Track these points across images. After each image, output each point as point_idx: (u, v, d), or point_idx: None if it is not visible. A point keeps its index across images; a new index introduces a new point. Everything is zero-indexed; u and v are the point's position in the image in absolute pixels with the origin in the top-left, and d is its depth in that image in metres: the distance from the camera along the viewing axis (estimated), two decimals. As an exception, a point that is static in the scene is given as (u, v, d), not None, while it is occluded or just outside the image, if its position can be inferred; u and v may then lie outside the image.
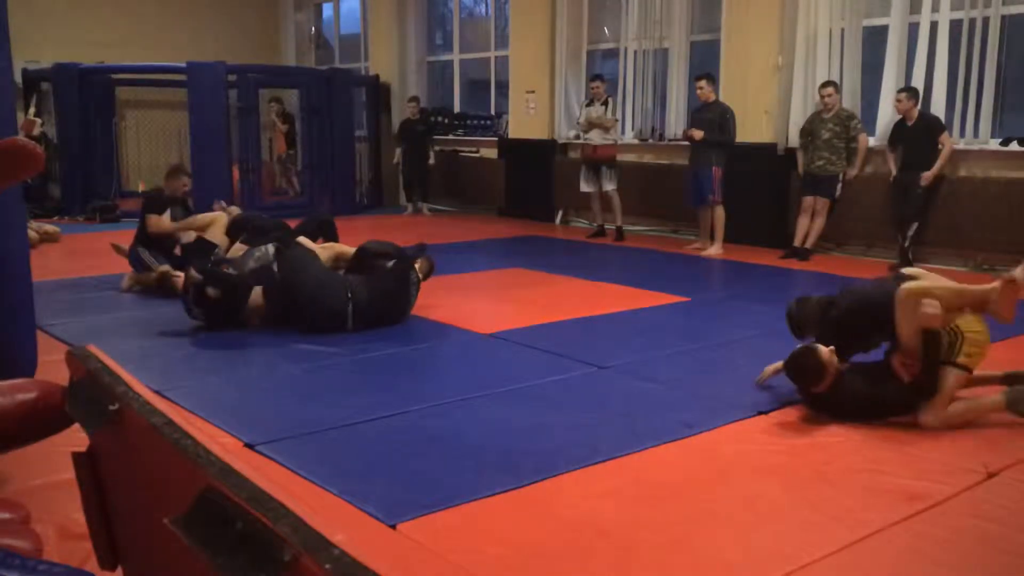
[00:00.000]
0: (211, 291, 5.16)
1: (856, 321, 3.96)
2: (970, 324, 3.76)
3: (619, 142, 9.62)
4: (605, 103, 9.32)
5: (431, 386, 4.29)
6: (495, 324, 5.55)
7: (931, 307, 3.64)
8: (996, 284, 3.76)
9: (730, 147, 8.43)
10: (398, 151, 12.07)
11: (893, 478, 3.19)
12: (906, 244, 7.59)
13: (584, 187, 9.60)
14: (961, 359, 3.71)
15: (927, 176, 7.46)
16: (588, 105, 9.50)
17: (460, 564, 2.57)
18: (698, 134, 8.42)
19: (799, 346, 3.87)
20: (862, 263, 7.97)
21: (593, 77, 9.63)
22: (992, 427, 3.73)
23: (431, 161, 11.89)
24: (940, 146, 7.45)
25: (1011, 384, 3.87)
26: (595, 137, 9.37)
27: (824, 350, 3.72)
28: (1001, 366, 4.70)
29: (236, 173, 11.25)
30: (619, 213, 9.47)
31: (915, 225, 7.58)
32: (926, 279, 3.90)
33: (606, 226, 9.65)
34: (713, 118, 8.41)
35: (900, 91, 7.62)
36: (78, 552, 2.44)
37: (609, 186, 9.43)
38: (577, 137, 10.12)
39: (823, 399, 3.80)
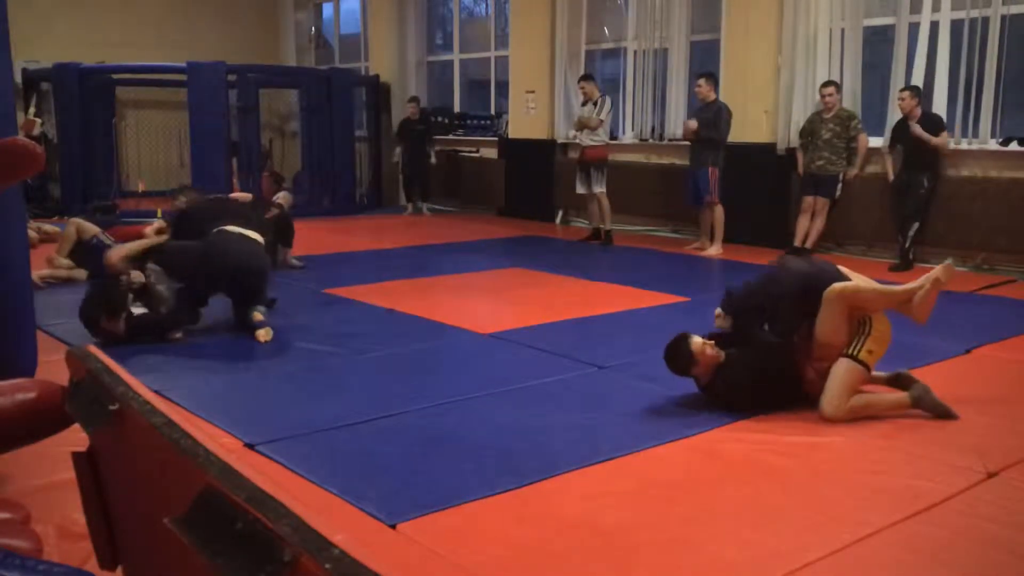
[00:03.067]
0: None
1: (785, 307, 3.98)
2: (878, 322, 3.84)
3: (608, 143, 9.43)
4: (595, 103, 9.23)
5: (431, 386, 4.28)
6: (495, 324, 5.55)
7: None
8: (922, 284, 3.87)
9: (722, 145, 8.42)
10: (398, 150, 12.07)
11: (893, 478, 3.19)
12: (907, 244, 7.59)
13: (578, 188, 9.49)
14: (863, 355, 3.78)
15: (917, 130, 7.36)
16: (583, 105, 9.47)
17: (460, 564, 2.57)
18: (692, 124, 8.46)
19: (682, 333, 4.00)
20: (862, 263, 7.96)
21: (580, 77, 9.57)
22: (992, 427, 3.73)
23: (433, 160, 11.81)
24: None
25: (897, 386, 3.95)
26: (583, 138, 9.30)
27: (697, 340, 3.90)
28: (1004, 367, 4.72)
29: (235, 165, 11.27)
30: (607, 216, 9.26)
31: (916, 225, 7.57)
32: (852, 277, 4.00)
33: (602, 227, 9.43)
34: (709, 117, 8.43)
35: (903, 90, 7.61)
36: (78, 552, 2.44)
37: (597, 188, 9.23)
38: (575, 137, 10.10)
39: (712, 389, 3.95)
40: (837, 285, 3.82)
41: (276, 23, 15.46)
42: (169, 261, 5.29)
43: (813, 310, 3.84)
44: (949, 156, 7.61)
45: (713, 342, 3.93)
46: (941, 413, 3.80)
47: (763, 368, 3.94)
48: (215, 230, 5.42)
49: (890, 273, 7.12)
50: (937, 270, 3.90)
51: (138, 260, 5.50)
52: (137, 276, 5.29)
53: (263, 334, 5.18)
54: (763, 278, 4.15)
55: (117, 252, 5.64)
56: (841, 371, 3.76)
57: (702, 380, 3.99)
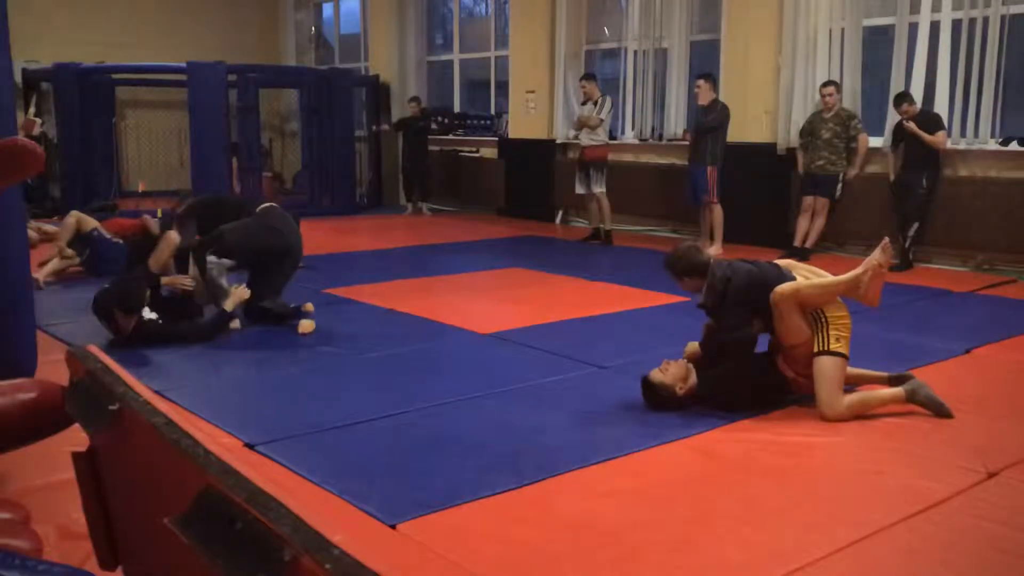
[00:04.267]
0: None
1: (745, 302, 4.01)
2: (832, 309, 3.88)
3: (608, 143, 9.40)
4: (596, 102, 9.18)
5: (431, 386, 4.28)
6: (495, 324, 5.54)
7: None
8: (864, 271, 3.89)
9: (724, 144, 8.40)
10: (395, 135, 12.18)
11: (893, 478, 3.20)
12: (907, 244, 7.59)
13: (577, 188, 9.45)
14: (833, 346, 3.80)
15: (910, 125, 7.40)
16: (583, 104, 9.46)
17: (460, 564, 2.57)
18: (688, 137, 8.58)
19: (643, 378, 3.98)
20: (862, 263, 7.95)
21: (582, 76, 9.54)
22: (992, 427, 3.73)
23: (433, 126, 11.76)
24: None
25: (897, 384, 3.96)
26: (583, 137, 9.26)
27: (654, 373, 3.92)
28: (1004, 367, 4.72)
29: (235, 163, 11.30)
30: (607, 216, 9.25)
31: (915, 225, 7.57)
32: (796, 270, 4.08)
33: (602, 227, 9.37)
34: (715, 116, 8.41)
35: (901, 100, 7.57)
36: (78, 552, 2.44)
37: (596, 188, 9.20)
38: (575, 137, 10.07)
39: (700, 396, 3.95)
40: (779, 288, 3.84)
41: (276, 23, 15.46)
42: (229, 245, 5.30)
43: (760, 307, 3.91)
44: (949, 156, 7.61)
45: (666, 361, 3.97)
46: (935, 408, 3.81)
47: (741, 363, 3.99)
48: (262, 207, 5.54)
49: (889, 273, 7.12)
50: (875, 253, 3.93)
51: (185, 259, 5.59)
52: (186, 282, 5.42)
53: (308, 325, 5.32)
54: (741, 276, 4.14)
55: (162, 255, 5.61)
56: (823, 371, 3.79)
57: (689, 394, 3.97)
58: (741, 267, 4.07)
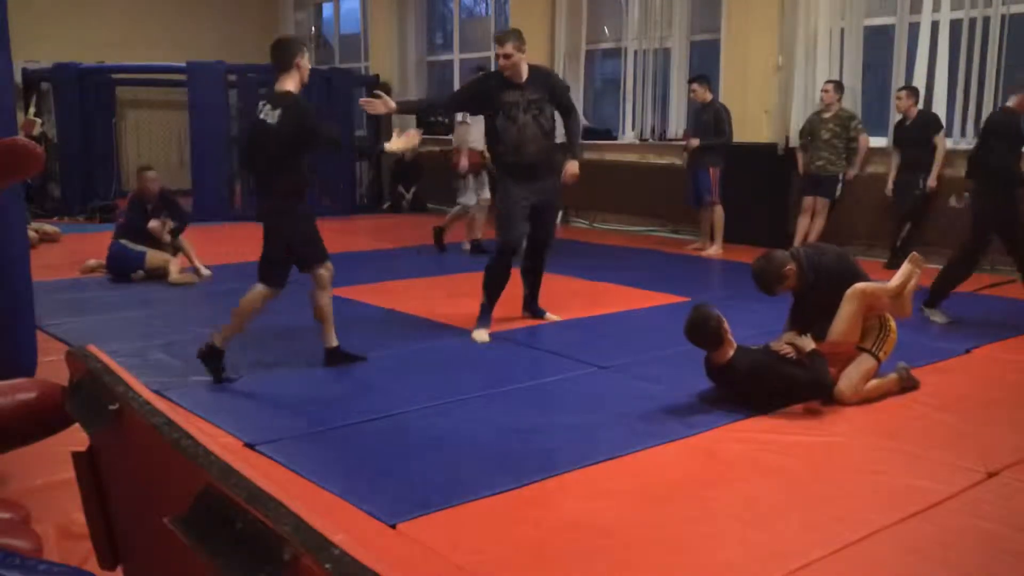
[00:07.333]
0: None
1: (836, 284, 4.16)
2: (892, 323, 4.18)
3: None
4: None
5: (431, 386, 4.28)
6: (495, 324, 5.54)
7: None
8: (902, 282, 4.18)
9: (728, 146, 8.39)
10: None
11: (893, 478, 3.20)
12: (897, 244, 7.58)
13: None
14: (881, 354, 4.10)
15: (932, 185, 7.45)
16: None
17: (460, 564, 2.57)
18: (693, 143, 8.33)
19: (697, 305, 4.10)
20: (862, 263, 7.94)
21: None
22: (992, 427, 3.73)
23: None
24: (934, 147, 7.44)
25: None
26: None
27: (717, 311, 4.00)
28: (1004, 367, 4.72)
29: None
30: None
31: (908, 226, 7.56)
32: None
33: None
34: (709, 120, 8.39)
35: (900, 89, 7.63)
36: (78, 552, 2.44)
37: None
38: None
39: (725, 371, 4.01)
40: (860, 284, 4.06)
41: (276, 23, 15.45)
42: None
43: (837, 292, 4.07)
44: (949, 156, 7.59)
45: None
46: (909, 385, 4.19)
47: (783, 357, 4.02)
48: None
49: (884, 271, 7.15)
50: (906, 266, 4.26)
51: None
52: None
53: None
54: (830, 253, 4.36)
55: None
56: (863, 365, 4.05)
57: (720, 361, 4.00)
58: (830, 250, 4.34)
